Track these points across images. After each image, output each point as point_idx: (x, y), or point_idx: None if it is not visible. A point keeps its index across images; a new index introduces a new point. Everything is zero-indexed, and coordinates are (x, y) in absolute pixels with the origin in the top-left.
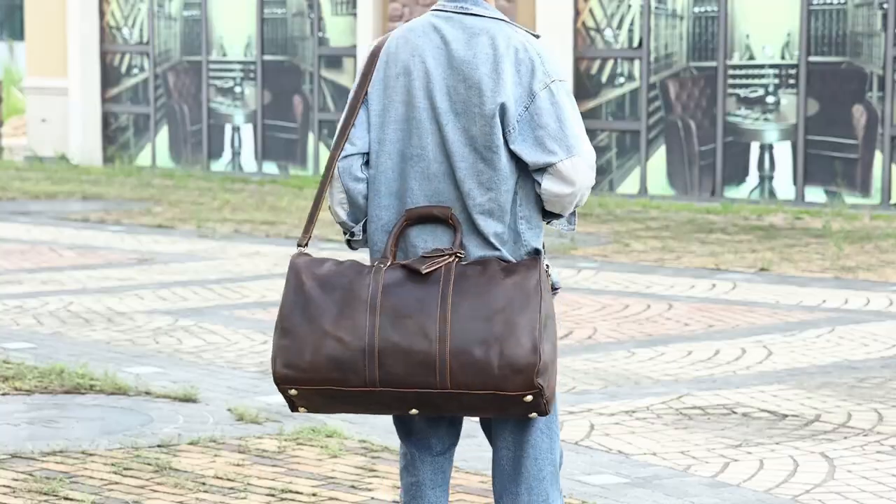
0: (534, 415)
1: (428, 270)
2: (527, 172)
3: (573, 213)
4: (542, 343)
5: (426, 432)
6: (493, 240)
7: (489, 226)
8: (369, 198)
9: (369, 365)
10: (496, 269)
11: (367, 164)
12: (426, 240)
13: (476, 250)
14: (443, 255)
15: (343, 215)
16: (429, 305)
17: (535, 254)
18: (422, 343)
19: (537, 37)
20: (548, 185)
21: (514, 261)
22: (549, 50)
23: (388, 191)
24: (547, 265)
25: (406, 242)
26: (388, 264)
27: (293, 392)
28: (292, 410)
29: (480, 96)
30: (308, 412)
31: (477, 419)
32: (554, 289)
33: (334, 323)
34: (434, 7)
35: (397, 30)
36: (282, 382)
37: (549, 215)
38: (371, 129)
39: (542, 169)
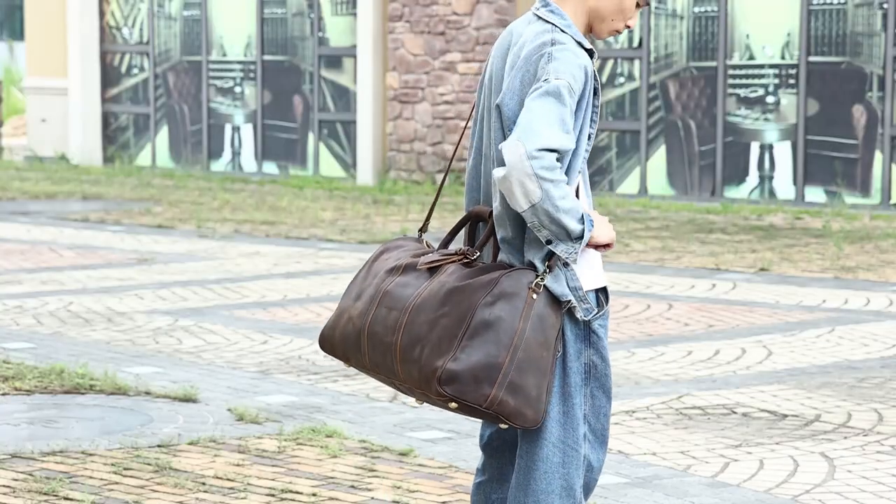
0: (519, 426)
1: (424, 266)
2: None
3: (563, 241)
4: (461, 352)
5: (482, 424)
6: (501, 244)
7: (500, 230)
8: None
9: (364, 349)
10: (482, 274)
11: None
12: (475, 238)
13: (498, 254)
14: (452, 255)
15: None
16: (407, 300)
17: (531, 266)
18: (390, 336)
19: (590, 52)
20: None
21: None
22: (567, 55)
23: (471, 187)
24: (543, 272)
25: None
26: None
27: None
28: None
29: (496, 96)
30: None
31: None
32: (564, 300)
33: (354, 302)
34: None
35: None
36: (321, 347)
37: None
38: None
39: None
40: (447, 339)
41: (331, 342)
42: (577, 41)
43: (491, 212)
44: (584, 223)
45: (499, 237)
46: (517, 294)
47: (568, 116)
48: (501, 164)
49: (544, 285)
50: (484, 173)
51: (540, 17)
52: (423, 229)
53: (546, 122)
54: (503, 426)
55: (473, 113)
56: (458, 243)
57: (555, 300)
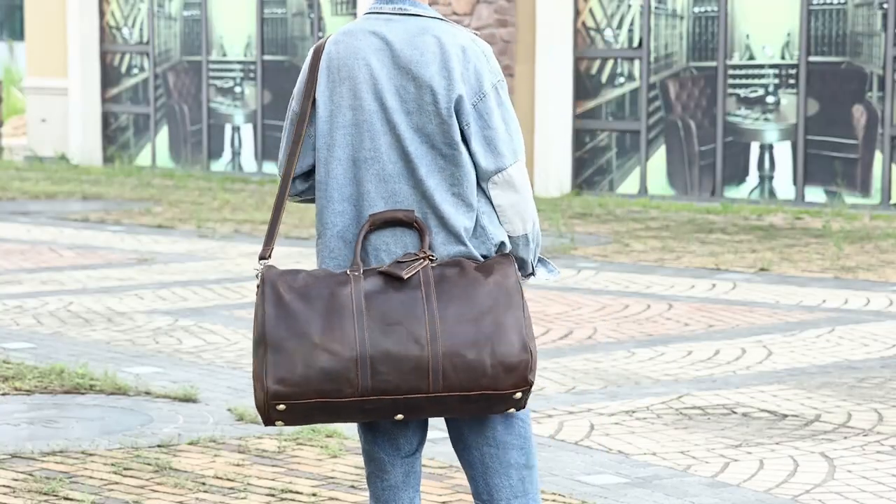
0: (512, 410)
1: (409, 275)
2: None
3: (542, 260)
4: (531, 340)
5: (393, 433)
6: (462, 234)
7: (459, 221)
8: (322, 205)
9: (362, 374)
10: (473, 268)
11: (306, 174)
12: (388, 243)
13: (443, 248)
14: (417, 259)
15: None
16: (415, 310)
17: (502, 247)
18: (413, 348)
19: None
20: (498, 193)
21: (480, 258)
22: (490, 49)
23: (341, 197)
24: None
25: (369, 247)
26: (363, 271)
27: (281, 407)
28: (266, 425)
29: (433, 94)
30: (285, 426)
31: None
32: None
33: (322, 334)
34: (368, 10)
35: (334, 34)
36: (273, 399)
37: (521, 266)
38: (319, 136)
39: (489, 180)
40: (514, 330)
41: (295, 386)
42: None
43: (410, 212)
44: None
45: (459, 228)
46: (523, 282)
47: None
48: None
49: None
50: (386, 177)
51: (416, 15)
52: (267, 256)
53: (519, 130)
54: (511, 411)
55: (317, 125)
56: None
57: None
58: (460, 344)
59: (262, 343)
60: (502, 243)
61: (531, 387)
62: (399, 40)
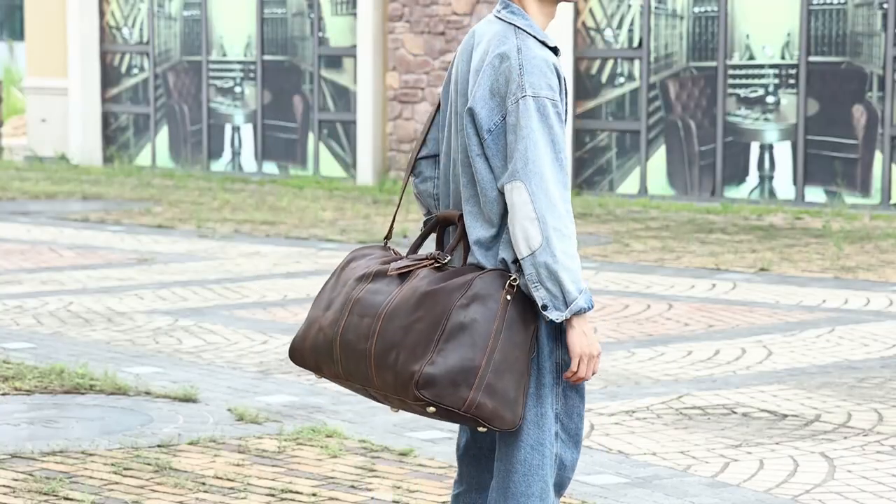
0: (496, 429)
1: (395, 272)
2: None
3: (558, 307)
4: (437, 355)
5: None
6: (473, 246)
7: (473, 232)
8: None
9: (336, 357)
10: (454, 276)
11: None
12: (445, 242)
13: (468, 257)
14: (422, 259)
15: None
16: (380, 306)
17: (503, 265)
18: (363, 343)
19: (554, 50)
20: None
21: (486, 268)
22: (536, 61)
23: (443, 192)
24: (517, 272)
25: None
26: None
27: (296, 357)
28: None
29: (464, 100)
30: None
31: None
32: (544, 308)
33: (324, 312)
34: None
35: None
36: (291, 358)
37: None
38: (441, 127)
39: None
40: (423, 343)
41: (301, 353)
42: (540, 40)
43: (460, 215)
44: (581, 292)
45: (471, 240)
46: (491, 296)
47: (559, 137)
48: (474, 181)
49: (517, 286)
50: (452, 177)
51: (501, 20)
52: (388, 237)
53: (545, 152)
54: (482, 430)
55: (437, 117)
56: (422, 250)
57: (528, 301)
58: (386, 344)
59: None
60: (503, 260)
61: (435, 404)
62: (481, 43)
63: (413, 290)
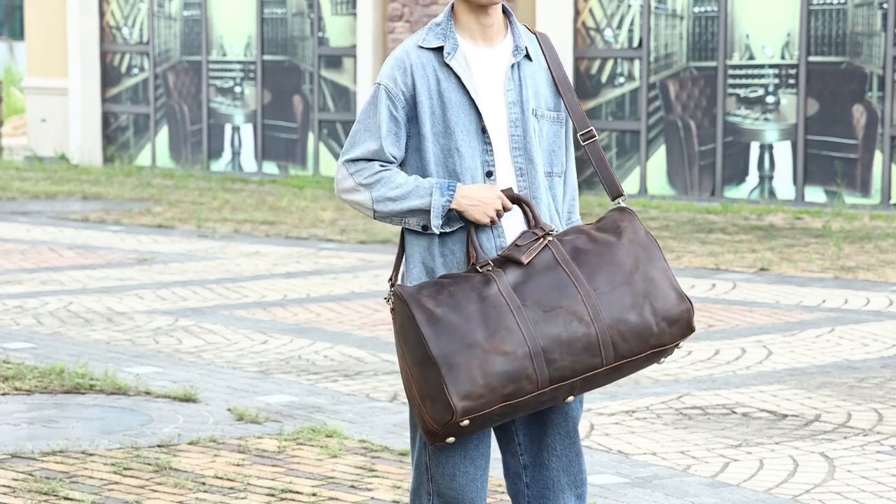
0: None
1: (529, 259)
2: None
3: (431, 219)
4: (681, 287)
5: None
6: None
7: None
8: None
9: (538, 366)
10: (597, 232)
11: None
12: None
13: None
14: (536, 238)
15: None
16: (567, 289)
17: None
18: (580, 328)
19: (439, 48)
20: None
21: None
22: (392, 55)
23: None
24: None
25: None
26: (492, 265)
27: (465, 423)
28: (435, 444)
29: None
30: (458, 438)
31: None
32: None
33: (489, 338)
34: None
35: None
36: (463, 415)
37: None
38: None
39: None
40: (665, 282)
41: (480, 398)
42: (419, 41)
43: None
44: (433, 194)
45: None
46: (640, 231)
47: (384, 119)
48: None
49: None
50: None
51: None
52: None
53: (355, 132)
54: (663, 360)
55: None
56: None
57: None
58: (621, 310)
59: (428, 363)
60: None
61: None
62: None
63: (591, 255)
